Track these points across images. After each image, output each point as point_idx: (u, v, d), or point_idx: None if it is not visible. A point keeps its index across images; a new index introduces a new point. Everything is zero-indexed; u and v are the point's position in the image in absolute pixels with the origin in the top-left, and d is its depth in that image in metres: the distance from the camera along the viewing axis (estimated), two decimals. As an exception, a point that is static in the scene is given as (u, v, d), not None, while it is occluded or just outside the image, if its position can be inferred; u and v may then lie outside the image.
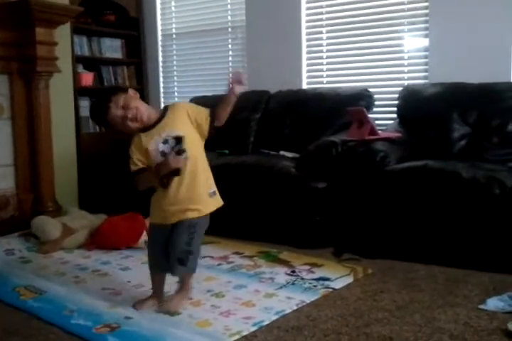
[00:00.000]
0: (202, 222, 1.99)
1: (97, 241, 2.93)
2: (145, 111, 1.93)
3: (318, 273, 2.42)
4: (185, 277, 2.04)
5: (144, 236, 2.94)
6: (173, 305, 2.00)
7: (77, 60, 4.07)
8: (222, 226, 3.18)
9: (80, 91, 4.07)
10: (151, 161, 1.92)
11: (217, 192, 2.04)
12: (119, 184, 3.66)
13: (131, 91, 1.95)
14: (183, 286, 2.05)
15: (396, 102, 3.34)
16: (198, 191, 1.95)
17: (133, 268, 2.57)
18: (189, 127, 1.96)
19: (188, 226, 1.94)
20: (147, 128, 1.94)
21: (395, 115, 3.36)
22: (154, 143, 1.91)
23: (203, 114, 1.98)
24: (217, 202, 2.03)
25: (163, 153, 1.89)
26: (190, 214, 1.94)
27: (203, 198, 1.97)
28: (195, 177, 1.94)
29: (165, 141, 1.90)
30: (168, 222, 1.96)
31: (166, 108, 2.02)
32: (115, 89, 2.07)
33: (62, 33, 3.67)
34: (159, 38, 4.65)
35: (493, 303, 1.98)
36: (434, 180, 2.48)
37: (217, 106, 1.99)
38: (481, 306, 1.97)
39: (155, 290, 2.08)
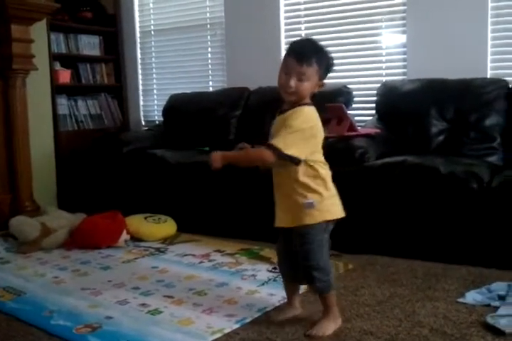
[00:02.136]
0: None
1: (76, 240, 2.90)
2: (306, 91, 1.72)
3: (300, 269, 2.42)
4: (321, 296, 1.82)
5: (124, 235, 2.93)
6: (319, 331, 1.75)
7: (54, 57, 4.02)
8: (203, 224, 3.18)
9: (57, 89, 4.02)
10: None
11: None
12: (98, 182, 3.64)
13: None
14: (324, 307, 1.82)
15: (375, 98, 3.36)
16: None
17: (113, 268, 2.55)
18: None
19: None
20: (282, 111, 1.77)
21: (373, 111, 3.38)
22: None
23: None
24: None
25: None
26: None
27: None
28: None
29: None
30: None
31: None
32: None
33: (39, 30, 3.62)
34: (137, 34, 4.61)
35: (472, 296, 2.00)
36: (413, 175, 2.51)
37: None
38: (460, 299, 2.00)
39: (287, 298, 1.97)
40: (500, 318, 1.77)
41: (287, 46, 1.76)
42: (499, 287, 2.05)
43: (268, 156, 1.69)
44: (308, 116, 1.72)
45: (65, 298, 2.14)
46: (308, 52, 1.69)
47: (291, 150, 1.68)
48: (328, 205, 1.76)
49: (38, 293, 2.20)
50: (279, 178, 1.80)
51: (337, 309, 1.81)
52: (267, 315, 1.93)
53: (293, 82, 1.68)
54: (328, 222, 1.77)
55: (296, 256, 1.79)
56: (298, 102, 1.73)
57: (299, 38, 1.84)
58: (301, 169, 1.73)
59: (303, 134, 1.69)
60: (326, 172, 1.78)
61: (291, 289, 1.94)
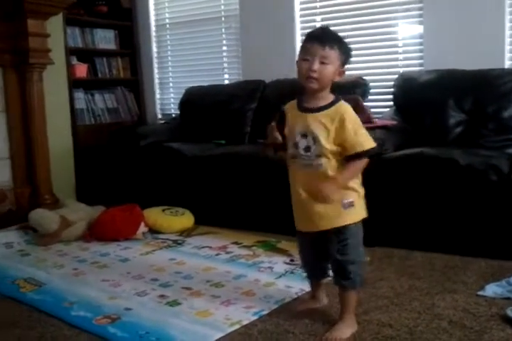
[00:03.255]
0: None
1: (95, 232, 2.93)
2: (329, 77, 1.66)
3: (317, 261, 2.43)
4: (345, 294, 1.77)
5: (142, 228, 2.95)
6: (335, 335, 1.70)
7: (70, 51, 4.04)
8: (220, 216, 3.19)
9: (74, 83, 4.04)
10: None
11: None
12: (116, 175, 3.67)
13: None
14: (344, 308, 1.77)
15: (391, 90, 3.34)
16: None
17: (132, 260, 2.57)
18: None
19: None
20: (314, 109, 1.70)
21: (390, 103, 3.36)
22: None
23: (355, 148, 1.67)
24: None
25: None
26: None
27: None
28: None
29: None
30: None
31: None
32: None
33: (55, 24, 3.65)
34: (153, 28, 4.61)
35: (492, 289, 1.99)
36: (431, 167, 2.49)
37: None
38: (480, 292, 1.98)
39: (312, 291, 1.96)
40: (521, 311, 1.75)
41: (304, 37, 1.73)
42: (519, 280, 2.03)
43: (366, 163, 1.69)
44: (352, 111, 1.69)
45: (85, 289, 2.17)
46: (330, 36, 1.67)
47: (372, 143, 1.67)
48: (363, 203, 1.74)
49: (58, 285, 2.23)
50: (306, 178, 1.71)
51: (354, 316, 1.76)
52: (284, 307, 1.94)
53: (316, 66, 1.62)
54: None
55: (326, 254, 1.77)
56: (321, 92, 1.68)
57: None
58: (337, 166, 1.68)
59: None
60: None
61: (316, 284, 1.94)
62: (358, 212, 1.72)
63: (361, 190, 1.73)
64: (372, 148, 1.66)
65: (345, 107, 1.68)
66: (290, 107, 1.77)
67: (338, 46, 1.65)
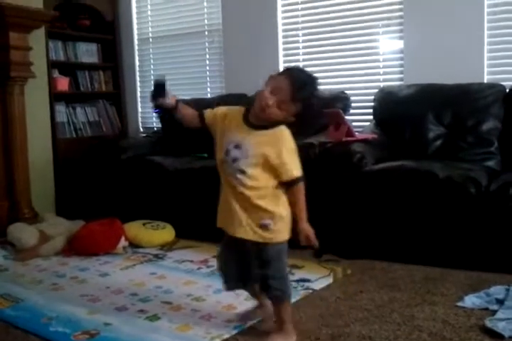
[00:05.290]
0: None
1: (74, 247, 2.90)
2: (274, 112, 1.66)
3: (298, 274, 2.42)
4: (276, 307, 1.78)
5: (123, 242, 2.93)
6: None
7: (52, 64, 4.03)
8: (201, 230, 3.17)
9: (55, 96, 4.03)
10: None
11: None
12: (96, 189, 3.64)
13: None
14: (278, 320, 1.78)
15: (372, 104, 3.37)
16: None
17: (112, 274, 2.54)
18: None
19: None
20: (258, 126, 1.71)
21: (371, 117, 3.39)
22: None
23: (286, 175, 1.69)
24: None
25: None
26: None
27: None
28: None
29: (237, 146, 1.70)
30: None
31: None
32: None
33: (37, 37, 3.64)
34: (135, 42, 4.62)
35: (471, 300, 2.00)
36: (411, 180, 2.51)
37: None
38: (459, 303, 1.99)
39: (256, 299, 1.95)
40: (499, 322, 1.77)
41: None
42: (497, 291, 2.05)
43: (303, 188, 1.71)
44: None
45: (64, 304, 2.13)
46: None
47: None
48: (286, 226, 1.73)
49: (36, 300, 2.20)
50: (233, 186, 1.70)
51: (292, 326, 1.76)
52: (265, 320, 1.92)
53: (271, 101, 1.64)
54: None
55: (248, 264, 1.76)
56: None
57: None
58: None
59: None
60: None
61: (253, 290, 1.90)
62: (277, 236, 1.70)
63: (284, 214, 1.71)
64: (301, 177, 1.69)
65: (285, 130, 1.70)
66: (235, 112, 1.79)
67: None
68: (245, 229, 1.70)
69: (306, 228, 1.69)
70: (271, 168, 1.67)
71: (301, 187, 1.70)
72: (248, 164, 1.66)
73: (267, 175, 1.68)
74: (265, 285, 1.73)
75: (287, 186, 1.70)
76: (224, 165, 1.72)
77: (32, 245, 2.87)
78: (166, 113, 1.84)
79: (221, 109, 1.84)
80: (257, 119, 1.71)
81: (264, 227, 1.68)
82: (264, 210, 1.68)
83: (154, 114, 3.84)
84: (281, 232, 1.71)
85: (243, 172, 1.67)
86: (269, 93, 1.65)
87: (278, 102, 1.64)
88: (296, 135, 1.74)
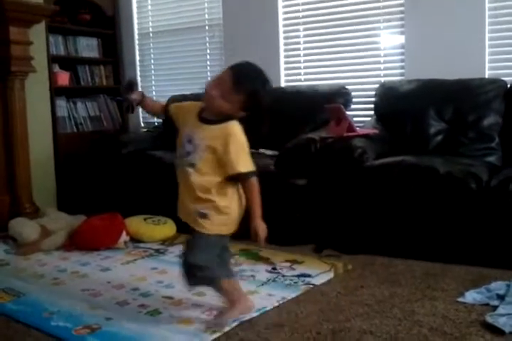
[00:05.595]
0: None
1: (75, 242, 2.90)
2: (219, 103, 1.71)
3: (299, 269, 2.43)
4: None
5: (124, 237, 2.93)
6: (219, 323, 1.83)
7: (52, 59, 4.02)
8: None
9: (56, 91, 4.02)
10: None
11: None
12: (97, 184, 3.64)
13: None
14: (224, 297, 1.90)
15: (373, 99, 3.37)
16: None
17: (113, 269, 2.55)
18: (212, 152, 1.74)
19: None
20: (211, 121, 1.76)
21: (372, 112, 3.39)
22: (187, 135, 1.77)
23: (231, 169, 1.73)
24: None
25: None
26: None
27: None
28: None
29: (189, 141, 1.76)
30: None
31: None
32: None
33: (38, 32, 3.62)
34: (136, 36, 4.61)
35: (471, 296, 2.01)
36: (412, 175, 2.51)
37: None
38: (459, 299, 2.00)
39: None
40: (500, 317, 1.77)
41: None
42: (498, 286, 2.05)
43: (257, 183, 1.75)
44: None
45: (65, 299, 2.14)
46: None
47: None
48: (228, 221, 1.78)
49: (37, 295, 2.20)
50: (185, 177, 1.76)
51: (242, 298, 1.87)
52: (266, 314, 1.93)
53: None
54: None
55: None
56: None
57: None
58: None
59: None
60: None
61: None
62: (213, 227, 1.75)
63: (228, 209, 1.75)
64: (250, 172, 1.72)
65: (236, 124, 1.74)
66: (192, 107, 1.84)
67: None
68: (191, 218, 1.77)
69: (258, 225, 1.74)
70: (219, 161, 1.71)
71: (252, 183, 1.73)
72: (198, 158, 1.72)
73: (215, 169, 1.72)
74: (189, 273, 1.78)
75: (236, 181, 1.75)
76: (179, 158, 1.78)
77: (33, 240, 2.87)
78: (129, 104, 1.95)
79: (185, 104, 1.91)
80: (209, 114, 1.76)
81: (202, 216, 1.73)
82: (207, 201, 1.73)
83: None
84: (217, 225, 1.75)
85: (192, 165, 1.72)
86: (213, 85, 1.71)
87: (222, 92, 1.69)
88: (251, 133, 1.78)
